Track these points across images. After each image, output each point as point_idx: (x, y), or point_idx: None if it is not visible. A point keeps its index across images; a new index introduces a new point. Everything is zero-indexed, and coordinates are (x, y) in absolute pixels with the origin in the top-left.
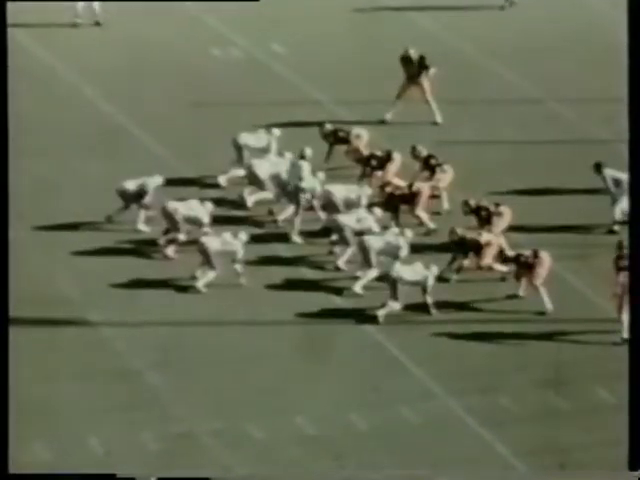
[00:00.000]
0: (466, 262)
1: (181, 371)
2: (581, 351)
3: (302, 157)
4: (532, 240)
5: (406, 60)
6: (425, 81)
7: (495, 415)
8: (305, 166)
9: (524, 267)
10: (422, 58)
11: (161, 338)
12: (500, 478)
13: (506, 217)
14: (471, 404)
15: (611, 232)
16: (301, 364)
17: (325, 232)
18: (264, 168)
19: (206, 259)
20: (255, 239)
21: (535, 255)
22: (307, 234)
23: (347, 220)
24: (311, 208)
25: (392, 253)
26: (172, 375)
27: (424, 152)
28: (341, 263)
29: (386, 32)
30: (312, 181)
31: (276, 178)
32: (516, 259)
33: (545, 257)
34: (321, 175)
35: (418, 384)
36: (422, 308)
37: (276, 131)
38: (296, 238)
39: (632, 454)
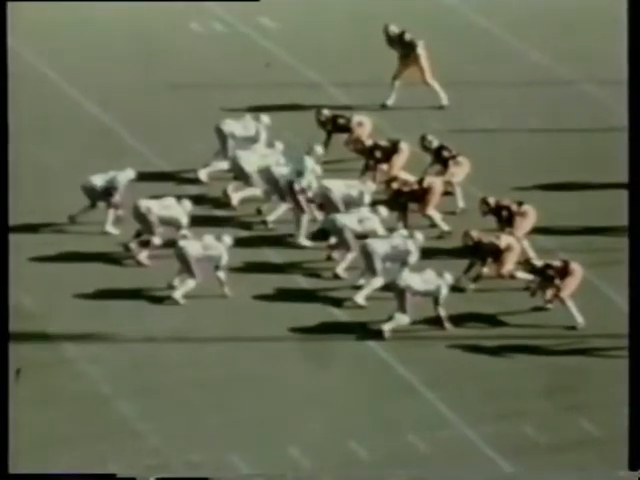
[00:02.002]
0: (485, 269)
1: (155, 394)
2: (617, 370)
3: (307, 153)
4: (559, 244)
5: (391, 40)
6: (421, 59)
7: (518, 445)
8: (310, 165)
9: (551, 279)
10: (402, 34)
11: (133, 356)
12: None
13: (530, 217)
14: (490, 432)
15: None
16: (295, 386)
17: (322, 234)
18: (251, 160)
19: (185, 266)
20: (241, 242)
21: (565, 268)
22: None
23: (347, 221)
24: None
25: (399, 259)
26: (145, 399)
27: (436, 142)
28: (341, 270)
29: (391, 4)
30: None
31: (265, 172)
32: (543, 270)
33: (576, 269)
34: (317, 169)
35: (429, 409)
36: (434, 322)
37: (265, 118)
38: (304, 241)
39: (632, 454)
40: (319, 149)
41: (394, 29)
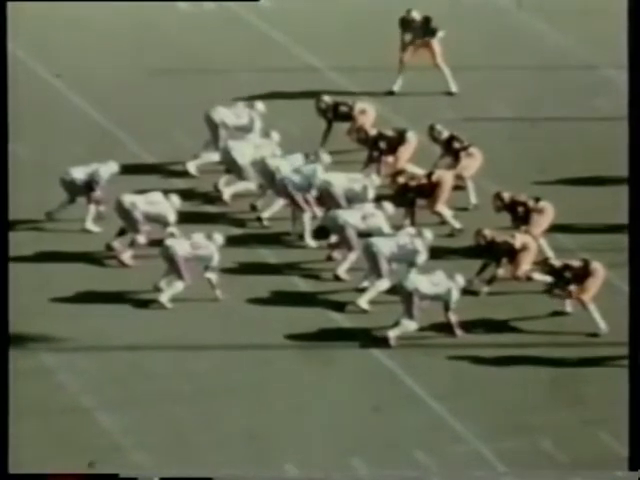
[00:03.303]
0: (499, 271)
1: (140, 407)
2: None
3: (313, 161)
4: (579, 242)
5: (407, 23)
6: (434, 43)
7: (534, 462)
8: (320, 172)
9: (571, 281)
10: (427, 20)
11: (116, 366)
12: None
13: (548, 214)
14: (504, 448)
15: None
16: (292, 398)
17: (322, 232)
18: (245, 152)
19: (172, 267)
20: (234, 241)
21: (586, 268)
22: (298, 235)
23: (350, 217)
24: (305, 202)
25: (406, 259)
26: (129, 412)
27: (446, 132)
28: (342, 271)
29: None
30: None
31: (260, 164)
32: (561, 271)
33: (598, 270)
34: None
35: (438, 422)
36: (444, 328)
37: (260, 105)
38: (310, 241)
39: (632, 454)
40: (326, 157)
41: (417, 14)
